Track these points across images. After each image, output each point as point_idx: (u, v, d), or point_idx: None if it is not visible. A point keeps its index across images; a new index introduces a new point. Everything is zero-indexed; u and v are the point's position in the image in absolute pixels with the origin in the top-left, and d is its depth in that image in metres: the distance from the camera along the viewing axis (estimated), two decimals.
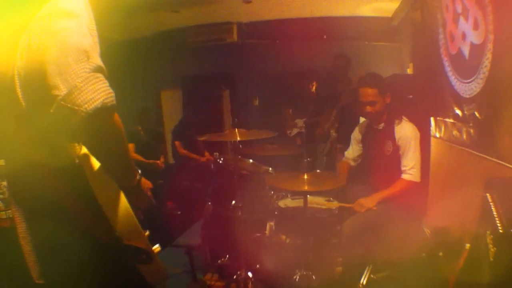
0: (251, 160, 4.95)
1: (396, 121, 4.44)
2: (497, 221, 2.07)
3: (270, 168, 4.85)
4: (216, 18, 8.73)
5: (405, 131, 4.38)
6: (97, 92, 1.50)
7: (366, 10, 7.98)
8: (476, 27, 3.68)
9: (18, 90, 1.61)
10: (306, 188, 3.83)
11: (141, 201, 2.13)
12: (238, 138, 4.43)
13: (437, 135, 5.28)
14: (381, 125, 4.57)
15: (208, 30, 9.12)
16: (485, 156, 3.73)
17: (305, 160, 4.19)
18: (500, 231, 2.00)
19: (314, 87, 7.77)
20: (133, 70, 8.64)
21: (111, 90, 1.55)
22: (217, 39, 9.16)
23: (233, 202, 4.55)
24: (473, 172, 4.12)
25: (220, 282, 4.53)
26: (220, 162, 5.02)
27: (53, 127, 1.55)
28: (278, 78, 9.55)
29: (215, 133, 5.07)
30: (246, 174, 4.83)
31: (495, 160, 3.50)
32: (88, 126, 1.51)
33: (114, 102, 1.56)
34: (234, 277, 4.29)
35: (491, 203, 2.28)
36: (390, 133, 4.44)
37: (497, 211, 2.15)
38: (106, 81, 1.56)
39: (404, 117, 4.48)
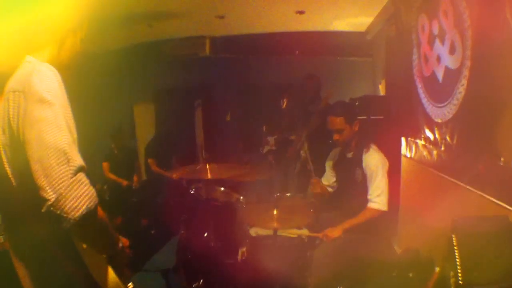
0: (222, 188, 4.98)
1: (364, 150, 4.46)
2: (459, 271, 2.08)
3: (241, 197, 4.88)
4: (189, 32, 8.70)
5: (372, 159, 4.40)
6: (80, 198, 1.67)
7: (339, 25, 7.95)
8: (452, 51, 3.70)
9: (7, 167, 1.80)
10: (275, 225, 3.90)
11: (123, 261, 2.22)
12: (209, 176, 4.63)
13: (408, 155, 5.33)
14: (351, 154, 4.61)
15: (181, 44, 9.09)
16: (455, 181, 3.76)
17: (275, 194, 4.20)
18: (460, 282, 2.02)
19: (285, 104, 7.77)
20: (106, 83, 8.60)
21: (92, 191, 1.73)
22: (190, 53, 9.14)
23: (205, 234, 4.61)
24: (443, 195, 4.16)
25: None
26: (192, 192, 5.01)
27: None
28: (250, 93, 9.60)
29: (187, 167, 5.29)
30: (217, 204, 4.84)
31: (466, 186, 3.53)
32: (76, 227, 1.69)
33: (97, 201, 1.75)
34: None
35: (455, 247, 2.30)
36: (359, 161, 4.46)
37: (460, 259, 2.17)
38: (87, 181, 1.73)
39: (372, 146, 4.50)
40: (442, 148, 4.04)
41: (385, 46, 6.98)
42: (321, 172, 5.06)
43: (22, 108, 1.73)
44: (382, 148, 4.65)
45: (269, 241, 4.14)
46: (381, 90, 7.43)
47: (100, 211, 1.85)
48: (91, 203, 1.71)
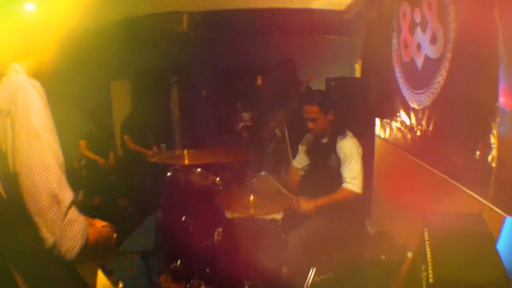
0: (199, 169, 5.02)
1: (340, 137, 4.55)
2: (430, 268, 2.12)
3: (218, 178, 4.93)
4: (167, 7, 8.62)
5: (347, 145, 4.49)
6: (74, 239, 1.79)
7: (319, 3, 7.93)
8: (433, 41, 3.70)
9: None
10: (252, 212, 3.93)
11: (112, 253, 2.30)
12: (187, 162, 4.77)
13: (382, 135, 5.38)
14: (325, 139, 4.70)
15: (159, 20, 9.00)
16: (429, 167, 3.81)
17: (252, 180, 4.24)
18: (430, 280, 2.06)
19: (259, 81, 7.76)
20: (82, 60, 8.51)
21: (83, 225, 1.85)
22: (167, 29, 9.05)
23: (183, 218, 4.64)
24: (416, 179, 4.23)
25: (174, 284, 4.59)
26: (169, 175, 5.05)
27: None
28: (227, 71, 9.57)
29: (166, 152, 5.39)
30: (195, 187, 4.88)
31: (439, 173, 3.59)
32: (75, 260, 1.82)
33: (88, 234, 1.87)
34: (191, 281, 4.34)
35: (427, 242, 2.34)
36: (333, 147, 4.56)
37: (431, 254, 2.21)
38: (77, 216, 1.84)
39: (348, 133, 4.59)
40: (418, 134, 4.08)
41: (364, 27, 6.98)
42: (296, 153, 5.16)
43: (10, 132, 1.78)
44: (356, 129, 4.73)
45: (244, 223, 4.19)
46: (357, 69, 7.45)
47: (93, 233, 2.00)
48: (84, 240, 1.84)
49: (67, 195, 1.81)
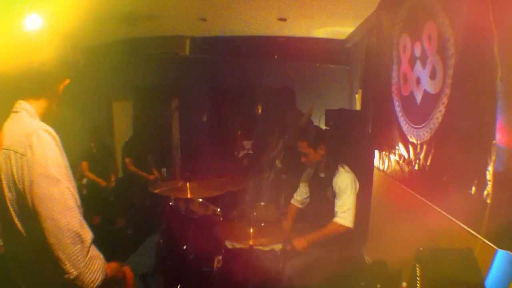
0: (200, 199, 5.12)
1: (335, 171, 4.67)
2: None
3: (218, 209, 5.06)
4: (170, 32, 8.73)
5: (342, 179, 4.60)
6: (95, 273, 1.98)
7: (319, 32, 8.05)
8: (433, 76, 3.75)
9: (16, 220, 1.98)
10: (251, 243, 4.00)
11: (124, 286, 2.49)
12: (189, 196, 4.77)
13: (381, 167, 5.45)
14: (323, 174, 4.83)
15: (162, 43, 9.11)
16: (426, 201, 3.88)
17: (251, 214, 4.32)
18: None
19: (259, 111, 7.86)
20: (85, 79, 8.54)
21: (102, 260, 2.06)
22: (170, 52, 9.17)
23: (184, 247, 4.77)
24: (413, 212, 4.29)
25: None
26: (171, 204, 5.15)
27: None
28: (227, 95, 9.64)
29: (168, 183, 5.49)
30: (195, 218, 4.99)
31: (434, 206, 3.66)
32: None
33: (106, 269, 2.07)
34: None
35: (417, 278, 2.42)
36: (330, 181, 4.67)
37: None
38: (97, 253, 2.05)
39: (343, 167, 4.70)
40: (416, 168, 4.14)
41: (364, 56, 7.08)
42: (293, 184, 5.28)
43: (27, 175, 1.90)
44: (355, 161, 4.83)
45: (243, 252, 4.26)
46: (358, 99, 7.54)
47: (112, 269, 2.25)
48: (104, 272, 2.05)
49: (88, 235, 1.98)
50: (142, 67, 9.32)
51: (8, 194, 1.96)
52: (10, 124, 2.06)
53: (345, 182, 4.55)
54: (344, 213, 4.46)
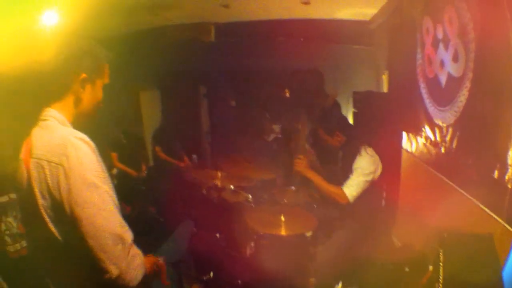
0: (232, 187, 5.18)
1: (357, 154, 4.72)
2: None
3: (250, 196, 5.09)
4: (194, 19, 8.76)
5: (359, 161, 4.69)
6: (136, 270, 2.10)
7: (344, 14, 7.99)
8: (455, 59, 3.76)
9: (51, 227, 2.03)
10: (282, 232, 4.08)
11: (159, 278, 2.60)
12: (219, 183, 4.96)
13: (409, 149, 5.45)
14: (341, 153, 4.98)
15: (186, 30, 9.14)
16: (451, 183, 3.90)
17: (282, 201, 4.38)
18: None
19: (287, 93, 7.85)
20: (111, 69, 8.60)
21: (142, 257, 2.20)
22: (196, 39, 9.19)
23: (217, 235, 4.87)
24: (439, 194, 4.32)
25: None
26: (204, 192, 5.24)
27: None
28: (254, 79, 9.63)
29: (199, 171, 5.79)
30: (227, 204, 5.07)
31: (459, 189, 3.70)
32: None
33: (145, 265, 2.22)
34: None
35: (440, 264, 2.46)
36: (351, 162, 4.74)
37: (443, 275, 2.32)
38: (138, 252, 2.18)
39: (365, 149, 4.74)
40: (442, 150, 4.17)
41: (388, 38, 7.04)
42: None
43: (64, 183, 1.94)
44: (383, 143, 4.85)
45: (275, 238, 4.33)
46: (384, 81, 7.51)
47: (146, 263, 2.31)
48: (143, 268, 2.18)
49: (129, 234, 2.07)
50: (167, 55, 9.35)
51: (41, 201, 2.00)
52: (40, 132, 2.09)
53: (358, 164, 4.65)
54: (352, 186, 4.57)
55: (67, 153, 1.96)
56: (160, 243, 6.17)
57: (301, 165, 4.79)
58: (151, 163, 8.69)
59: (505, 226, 2.78)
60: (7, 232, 4.22)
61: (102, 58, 2.32)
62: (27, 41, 2.24)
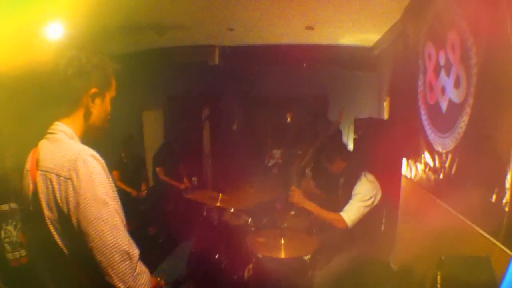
0: (232, 209, 5.20)
1: (358, 179, 4.78)
2: None
3: (250, 219, 5.10)
4: (199, 41, 8.82)
5: (359, 187, 4.73)
6: (143, 286, 2.06)
7: (347, 40, 8.07)
8: (457, 85, 3.78)
9: (58, 239, 2.03)
10: (282, 255, 4.10)
11: None
12: (221, 206, 4.98)
13: (408, 175, 5.46)
14: (342, 179, 5.04)
15: (191, 52, 9.20)
16: (449, 208, 3.91)
17: (282, 225, 4.41)
18: None
19: (289, 119, 7.90)
20: (116, 89, 8.60)
21: (148, 275, 2.14)
22: (200, 61, 9.25)
23: (217, 256, 4.85)
24: (438, 220, 4.30)
25: None
26: (204, 213, 5.26)
27: None
28: (256, 103, 9.67)
29: (200, 192, 5.80)
30: (227, 227, 5.10)
31: (457, 214, 3.69)
32: None
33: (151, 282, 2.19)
34: None
35: (438, 286, 2.46)
36: (351, 187, 4.79)
37: None
38: (144, 269, 2.14)
39: (366, 175, 4.80)
40: (441, 176, 4.17)
41: (391, 63, 7.09)
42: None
43: (73, 198, 1.95)
44: (383, 169, 4.88)
45: (274, 261, 4.34)
46: (386, 107, 7.54)
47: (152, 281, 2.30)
48: (150, 285, 2.14)
49: (136, 251, 2.05)
50: (172, 76, 9.45)
51: (48, 213, 2.01)
52: (48, 146, 2.10)
53: (358, 189, 4.69)
54: (350, 211, 4.59)
55: (77, 168, 1.96)
56: (159, 263, 6.19)
57: (296, 196, 4.82)
58: (152, 183, 8.70)
59: (502, 248, 2.79)
60: (7, 239, 4.28)
61: (111, 71, 2.33)
62: (35, 54, 2.25)
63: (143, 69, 8.68)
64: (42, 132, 2.18)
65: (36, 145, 2.16)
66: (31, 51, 2.28)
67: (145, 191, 8.16)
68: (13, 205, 4.24)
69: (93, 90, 2.20)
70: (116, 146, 7.98)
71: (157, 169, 8.28)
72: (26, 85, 2.11)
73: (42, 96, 2.17)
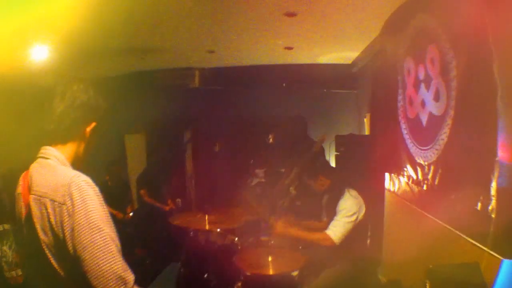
0: (218, 229, 5.22)
1: (341, 195, 4.84)
2: None
3: (236, 238, 5.13)
4: (179, 64, 8.88)
5: (343, 202, 4.79)
6: None
7: (325, 59, 8.17)
8: (436, 98, 3.87)
9: (53, 262, 2.03)
10: (271, 272, 4.13)
11: None
12: (208, 227, 4.94)
13: (392, 189, 5.52)
14: (326, 196, 5.13)
15: (172, 75, 9.25)
16: (436, 219, 3.97)
17: (270, 242, 4.45)
18: None
19: (271, 140, 7.93)
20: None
21: None
22: (180, 84, 9.30)
23: (205, 275, 4.84)
24: (424, 230, 4.37)
25: None
26: (191, 234, 5.27)
27: None
28: (238, 124, 9.70)
29: (186, 214, 5.79)
30: (215, 246, 5.12)
31: (444, 224, 3.75)
32: None
33: None
34: None
35: None
36: (335, 203, 4.85)
37: None
38: None
39: (349, 191, 4.86)
40: (425, 188, 4.25)
41: (371, 80, 7.18)
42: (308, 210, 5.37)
43: (67, 223, 1.96)
44: (367, 184, 4.94)
45: (262, 279, 4.35)
46: (366, 123, 7.63)
47: None
48: None
49: (131, 276, 2.02)
50: (153, 99, 9.41)
51: (43, 237, 2.02)
52: (40, 170, 2.12)
53: (342, 206, 4.76)
54: (335, 228, 4.65)
55: (71, 194, 1.97)
56: (147, 284, 6.16)
57: (278, 228, 4.90)
58: (136, 205, 8.68)
59: (491, 254, 2.84)
60: (4, 259, 4.33)
61: (103, 109, 2.34)
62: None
63: (124, 92, 8.68)
64: (30, 155, 2.19)
65: (26, 168, 2.17)
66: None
67: (131, 213, 8.12)
68: (6, 226, 4.28)
69: (94, 124, 2.26)
70: (100, 170, 7.94)
71: (141, 191, 8.26)
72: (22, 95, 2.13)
73: (39, 127, 2.16)
